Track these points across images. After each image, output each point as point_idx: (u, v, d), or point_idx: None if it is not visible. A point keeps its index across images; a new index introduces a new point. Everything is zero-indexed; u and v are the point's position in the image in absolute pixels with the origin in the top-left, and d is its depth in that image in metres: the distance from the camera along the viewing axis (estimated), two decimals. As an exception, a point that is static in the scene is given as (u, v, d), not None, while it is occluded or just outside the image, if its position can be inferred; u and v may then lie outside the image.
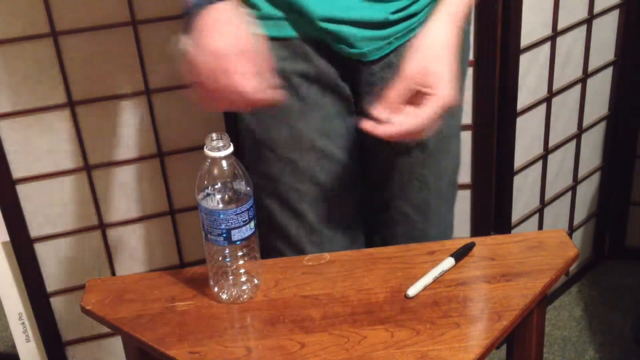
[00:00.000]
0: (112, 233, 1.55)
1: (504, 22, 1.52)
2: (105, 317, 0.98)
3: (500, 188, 1.70)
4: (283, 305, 0.98)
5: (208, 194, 0.93)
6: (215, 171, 0.92)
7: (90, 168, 1.48)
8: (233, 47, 0.91)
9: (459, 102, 1.00)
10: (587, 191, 1.99)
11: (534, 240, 1.08)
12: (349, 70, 1.10)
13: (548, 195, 1.86)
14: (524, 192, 1.78)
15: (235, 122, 1.16)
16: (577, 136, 1.87)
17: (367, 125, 0.95)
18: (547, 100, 1.73)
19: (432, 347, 0.89)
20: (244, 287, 0.99)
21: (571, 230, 1.99)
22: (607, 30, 1.81)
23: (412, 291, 0.98)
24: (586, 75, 1.81)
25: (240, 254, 0.96)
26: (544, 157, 1.80)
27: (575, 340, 1.85)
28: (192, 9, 0.92)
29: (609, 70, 1.87)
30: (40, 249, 1.51)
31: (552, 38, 1.66)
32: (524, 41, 1.58)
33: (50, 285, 1.55)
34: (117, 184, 1.51)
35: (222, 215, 0.92)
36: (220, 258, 0.97)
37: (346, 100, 1.12)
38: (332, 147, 1.13)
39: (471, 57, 1.52)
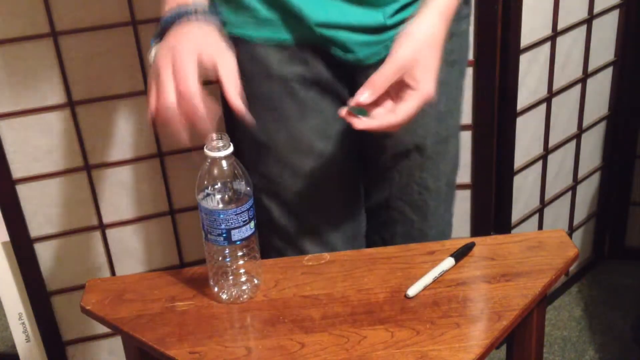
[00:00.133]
0: (112, 233, 1.55)
1: (504, 22, 1.52)
2: (105, 317, 0.98)
3: (500, 188, 1.70)
4: (283, 305, 0.98)
5: (208, 194, 0.93)
6: (215, 171, 0.92)
7: (90, 168, 1.48)
8: (193, 47, 0.89)
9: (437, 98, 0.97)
10: (587, 191, 1.99)
11: (534, 240, 1.07)
12: (346, 73, 1.10)
13: (548, 195, 1.86)
14: (524, 192, 1.78)
15: (235, 123, 1.16)
16: (577, 136, 1.87)
17: (343, 113, 0.93)
18: (547, 100, 1.73)
19: (432, 347, 0.89)
20: (244, 287, 0.99)
21: (571, 230, 1.99)
22: (607, 30, 1.81)
23: (412, 291, 0.98)
24: (586, 75, 1.81)
25: (240, 254, 0.96)
26: (544, 157, 1.80)
27: (575, 340, 1.85)
28: (166, 23, 0.92)
29: (609, 70, 1.87)
30: (40, 249, 1.51)
31: (552, 38, 1.66)
32: (524, 41, 1.58)
33: (50, 285, 1.55)
34: (117, 184, 1.51)
35: (222, 215, 0.92)
36: (220, 258, 0.97)
37: (345, 103, 1.12)
38: (332, 149, 1.13)
39: (471, 57, 1.52)
